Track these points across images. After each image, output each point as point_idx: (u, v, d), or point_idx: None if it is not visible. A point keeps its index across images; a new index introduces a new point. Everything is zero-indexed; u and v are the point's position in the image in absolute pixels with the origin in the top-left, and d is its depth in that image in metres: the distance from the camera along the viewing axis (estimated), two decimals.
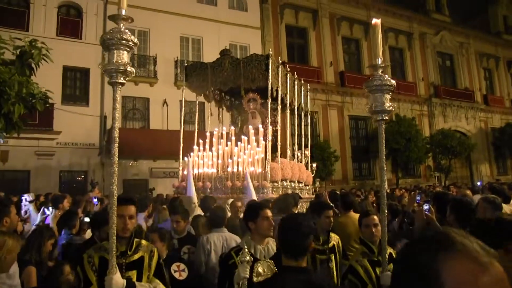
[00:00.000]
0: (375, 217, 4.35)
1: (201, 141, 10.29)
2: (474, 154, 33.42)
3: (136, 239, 3.57)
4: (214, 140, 10.08)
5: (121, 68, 2.70)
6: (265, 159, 9.30)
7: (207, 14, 23.45)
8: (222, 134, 10.13)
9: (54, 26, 20.26)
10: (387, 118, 3.33)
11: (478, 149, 33.17)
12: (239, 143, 9.53)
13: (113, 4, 21.02)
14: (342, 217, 6.52)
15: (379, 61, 3.44)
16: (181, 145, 10.89)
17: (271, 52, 10.23)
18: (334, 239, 4.95)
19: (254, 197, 7.62)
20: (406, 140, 26.28)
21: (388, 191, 16.02)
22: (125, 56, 2.75)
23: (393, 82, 3.41)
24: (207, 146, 10.14)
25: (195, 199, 7.88)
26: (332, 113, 28.05)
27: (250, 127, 9.97)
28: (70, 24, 20.93)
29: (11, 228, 4.77)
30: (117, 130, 2.66)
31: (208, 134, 10.47)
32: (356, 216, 6.64)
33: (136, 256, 3.48)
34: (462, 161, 33.50)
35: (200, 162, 9.99)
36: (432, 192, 10.67)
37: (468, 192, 10.23)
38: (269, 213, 3.98)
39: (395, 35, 32.46)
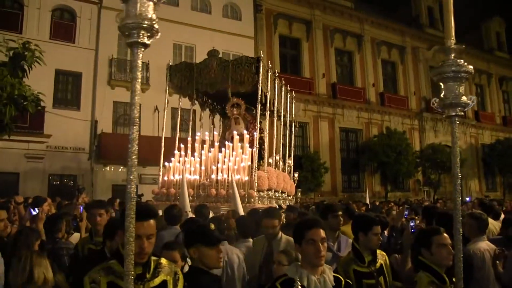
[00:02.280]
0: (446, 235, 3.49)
1: (182, 145, 9.94)
2: (463, 169, 33.52)
3: (153, 258, 2.82)
4: (197, 145, 9.75)
5: (145, 23, 1.99)
6: (252, 167, 8.96)
7: (200, 22, 23.51)
8: (205, 139, 9.81)
9: (47, 29, 20.22)
10: (462, 113, 2.74)
11: (468, 165, 33.33)
12: (223, 149, 9.20)
13: (107, 9, 21.04)
14: (345, 226, 6.41)
15: (452, 43, 2.86)
16: (162, 149, 10.55)
17: (262, 55, 9.97)
18: (381, 257, 4.06)
19: (240, 206, 7.33)
20: (396, 154, 26.37)
21: (377, 203, 15.99)
22: (150, 9, 2.04)
23: (471, 67, 2.80)
24: (189, 152, 9.78)
25: (188, 206, 7.45)
26: (323, 125, 28.10)
27: (235, 132, 9.63)
28: (63, 27, 20.89)
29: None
30: (137, 107, 1.89)
31: (189, 139, 10.10)
32: None
33: (157, 281, 2.76)
34: (451, 176, 33.55)
35: (182, 168, 9.47)
36: (421, 207, 10.67)
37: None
38: (317, 235, 2.95)
39: (387, 48, 32.68)
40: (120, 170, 20.53)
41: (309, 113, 27.47)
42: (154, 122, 20.95)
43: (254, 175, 8.81)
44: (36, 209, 8.09)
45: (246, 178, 8.71)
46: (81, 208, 10.29)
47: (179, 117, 11.29)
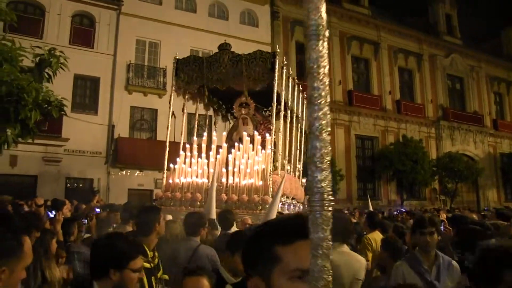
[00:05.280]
0: None
1: (188, 146, 9.25)
2: (481, 179, 33.16)
3: None
4: (204, 145, 9.10)
5: None
6: (267, 171, 8.20)
7: (217, 28, 23.62)
8: (212, 140, 9.18)
9: (67, 35, 20.49)
10: None
11: (485, 174, 32.92)
12: (232, 151, 8.56)
13: (126, 15, 21.28)
14: (372, 234, 6.32)
15: None
16: (167, 149, 9.67)
17: (278, 50, 9.29)
18: None
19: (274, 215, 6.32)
20: (413, 162, 26.20)
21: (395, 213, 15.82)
22: None
23: None
24: (195, 153, 9.04)
25: (214, 213, 6.67)
26: (339, 132, 28.02)
27: (245, 133, 8.94)
28: (82, 33, 21.15)
29: None
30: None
31: (195, 138, 9.47)
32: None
33: None
34: (468, 185, 33.21)
35: (188, 170, 8.74)
36: (438, 216, 10.45)
37: (474, 216, 10.18)
38: None
39: (404, 56, 32.51)
40: (136, 174, 20.69)
41: None
42: (171, 127, 21.05)
43: (269, 180, 8.02)
44: (53, 211, 8.24)
45: (260, 182, 7.99)
46: (97, 210, 10.42)
47: (184, 119, 10.49)
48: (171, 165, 9.17)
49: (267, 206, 7.39)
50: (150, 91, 21.75)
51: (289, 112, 10.20)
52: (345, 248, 3.94)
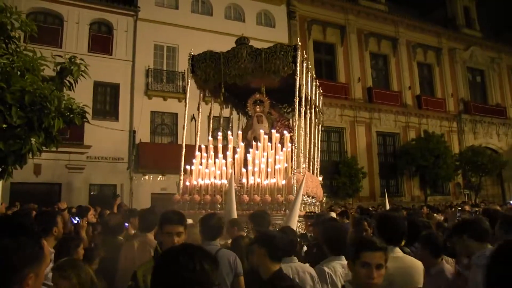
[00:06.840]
0: None
1: (203, 147, 8.86)
2: (506, 171, 32.59)
3: None
4: (220, 145, 8.74)
5: None
6: (289, 170, 7.91)
7: (235, 30, 23.56)
8: (229, 139, 8.93)
9: (85, 43, 20.74)
10: None
11: (510, 167, 32.40)
12: (251, 150, 8.22)
13: (143, 21, 21.45)
14: None
15: None
16: (183, 150, 9.19)
17: (299, 43, 8.94)
18: None
19: (294, 221, 6.24)
20: (435, 157, 25.91)
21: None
22: None
23: None
24: (212, 153, 8.71)
25: (235, 213, 6.52)
26: (359, 130, 27.84)
27: (262, 131, 8.59)
28: (101, 40, 21.39)
29: (59, 237, 4.82)
30: None
31: (210, 138, 9.11)
32: None
33: None
34: (493, 178, 32.68)
35: (205, 172, 8.41)
36: (483, 209, 10.13)
37: (499, 208, 10.05)
38: None
39: (423, 51, 32.20)
40: (158, 179, 20.80)
41: (346, 118, 27.27)
42: (192, 131, 21.14)
43: (293, 179, 7.73)
44: (77, 218, 8.33)
45: (283, 182, 7.66)
46: (126, 224, 10.42)
47: (199, 120, 10.19)
48: (187, 167, 8.81)
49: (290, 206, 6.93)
50: (170, 95, 21.89)
51: (309, 107, 9.88)
52: (398, 252, 3.44)
